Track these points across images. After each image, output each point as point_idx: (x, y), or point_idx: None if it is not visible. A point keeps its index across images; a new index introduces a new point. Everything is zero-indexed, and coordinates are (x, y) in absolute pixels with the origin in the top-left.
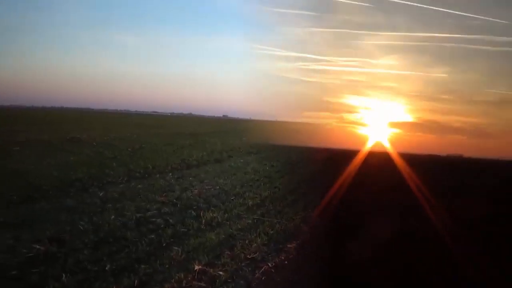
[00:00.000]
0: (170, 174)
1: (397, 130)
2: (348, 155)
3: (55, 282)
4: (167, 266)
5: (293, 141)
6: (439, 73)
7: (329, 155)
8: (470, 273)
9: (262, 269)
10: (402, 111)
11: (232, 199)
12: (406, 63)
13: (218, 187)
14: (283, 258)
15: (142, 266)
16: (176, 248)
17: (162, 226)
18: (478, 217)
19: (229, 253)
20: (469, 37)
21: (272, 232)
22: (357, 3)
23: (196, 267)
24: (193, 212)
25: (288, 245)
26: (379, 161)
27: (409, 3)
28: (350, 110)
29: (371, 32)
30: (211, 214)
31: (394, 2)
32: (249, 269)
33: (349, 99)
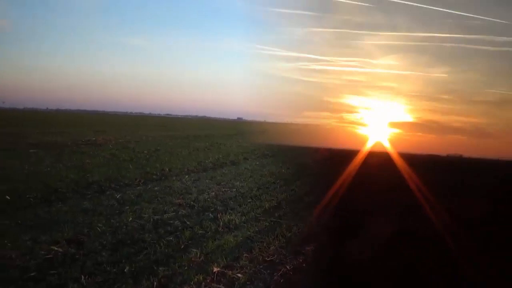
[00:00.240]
0: (187, 176)
1: (397, 130)
2: (352, 155)
3: (74, 284)
4: (185, 268)
5: (304, 143)
6: (439, 73)
7: (331, 155)
8: (470, 273)
9: (281, 272)
10: (402, 111)
11: (249, 202)
12: (406, 63)
13: (234, 190)
14: (301, 260)
15: (161, 268)
16: (194, 250)
17: (180, 228)
18: (478, 217)
19: (247, 255)
20: (469, 37)
21: (289, 234)
22: (357, 3)
23: (215, 269)
24: (210, 214)
25: (306, 248)
26: (379, 161)
27: (409, 3)
28: (350, 110)
29: (371, 32)
30: (228, 216)
31: (394, 2)
32: (268, 271)
33: (349, 99)
